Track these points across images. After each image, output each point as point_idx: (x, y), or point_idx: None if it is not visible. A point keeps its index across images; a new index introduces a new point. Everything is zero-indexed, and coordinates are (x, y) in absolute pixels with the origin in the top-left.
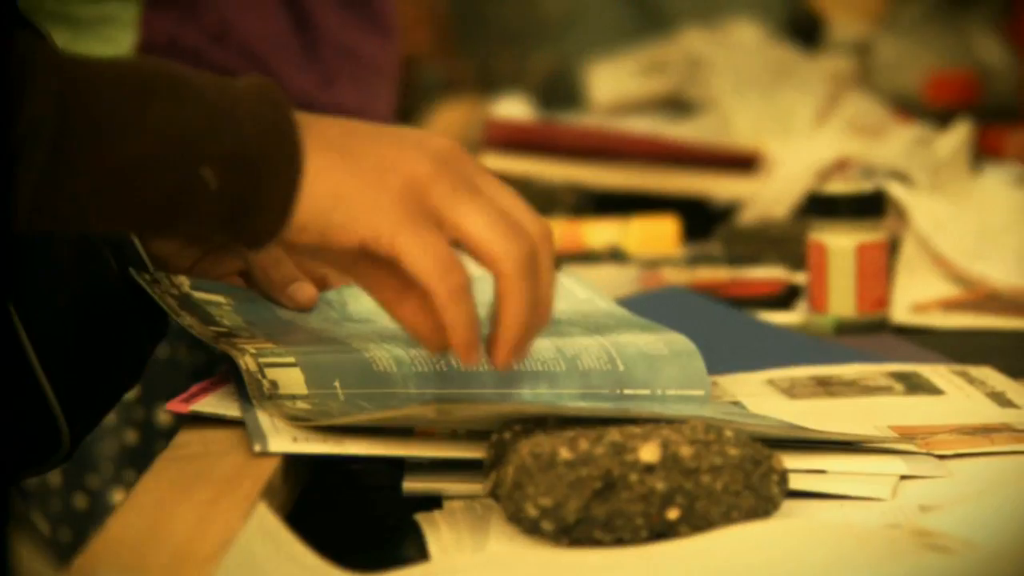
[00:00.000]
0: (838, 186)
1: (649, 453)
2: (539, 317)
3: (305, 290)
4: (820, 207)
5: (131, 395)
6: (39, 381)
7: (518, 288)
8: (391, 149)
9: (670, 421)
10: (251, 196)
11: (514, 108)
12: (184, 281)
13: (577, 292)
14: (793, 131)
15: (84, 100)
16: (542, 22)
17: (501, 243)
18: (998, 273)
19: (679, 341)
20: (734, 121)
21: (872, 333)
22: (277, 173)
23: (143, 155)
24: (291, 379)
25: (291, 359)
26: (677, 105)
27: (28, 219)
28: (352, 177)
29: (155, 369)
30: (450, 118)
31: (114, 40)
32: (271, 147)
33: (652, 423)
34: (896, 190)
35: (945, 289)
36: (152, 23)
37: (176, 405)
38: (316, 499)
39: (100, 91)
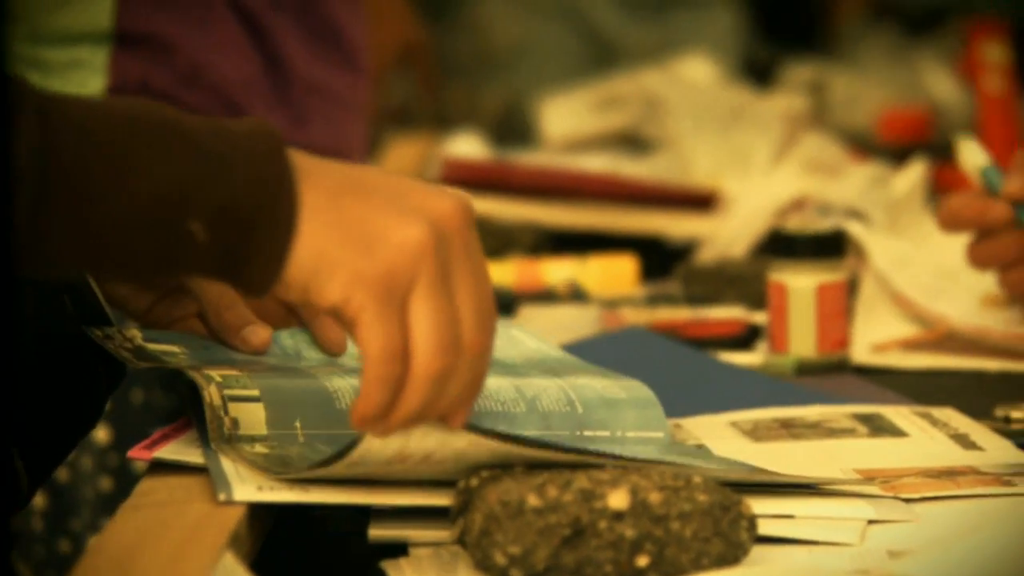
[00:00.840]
0: (798, 226)
1: (618, 500)
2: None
3: (259, 333)
4: (780, 247)
5: (105, 441)
6: None
7: (419, 392)
8: (387, 214)
9: (638, 466)
10: (242, 250)
11: (468, 145)
12: (136, 334)
13: (527, 342)
14: (751, 170)
15: (67, 148)
16: (492, 54)
17: (429, 355)
18: (957, 312)
19: (636, 387)
20: (692, 160)
21: (833, 373)
22: (270, 229)
23: (129, 207)
24: (253, 416)
25: (255, 391)
26: (632, 142)
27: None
28: (340, 242)
29: (129, 414)
30: (404, 154)
31: (84, 84)
32: (265, 201)
33: (620, 468)
34: (855, 229)
35: (904, 329)
36: (122, 66)
37: (138, 452)
38: (281, 546)
39: (85, 139)
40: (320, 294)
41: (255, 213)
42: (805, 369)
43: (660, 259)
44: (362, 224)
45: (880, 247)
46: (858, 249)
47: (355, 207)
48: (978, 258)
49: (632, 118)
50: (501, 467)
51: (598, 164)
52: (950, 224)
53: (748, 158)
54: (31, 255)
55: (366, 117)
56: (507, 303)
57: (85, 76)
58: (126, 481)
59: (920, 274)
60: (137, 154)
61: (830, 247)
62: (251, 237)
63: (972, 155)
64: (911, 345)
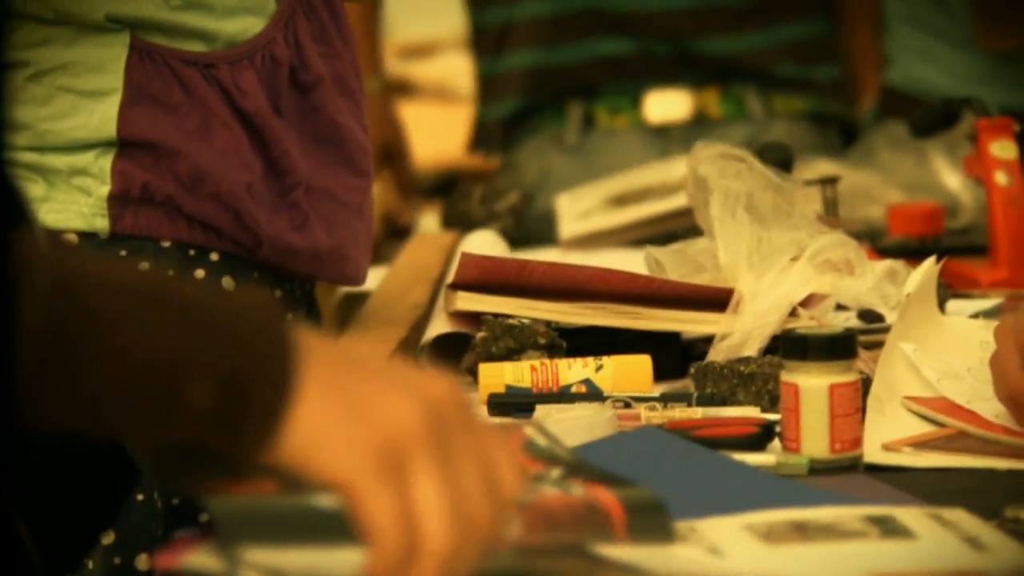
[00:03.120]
0: (810, 327)
1: None
2: None
3: None
4: (792, 348)
5: (108, 540)
6: (15, 524)
7: (432, 568)
8: (384, 392)
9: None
10: (237, 422)
11: (487, 241)
12: None
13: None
14: (770, 270)
15: (73, 311)
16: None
17: (439, 528)
18: (991, 413)
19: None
20: (720, 253)
21: (846, 473)
22: (267, 403)
23: (123, 374)
24: None
25: None
26: (647, 238)
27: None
28: (338, 418)
29: (131, 513)
30: (423, 247)
31: (89, 191)
32: (265, 374)
33: None
34: (907, 348)
35: (915, 427)
36: (126, 172)
37: (163, 560)
38: None
39: (91, 302)
40: (317, 469)
41: (254, 386)
42: (818, 469)
43: (676, 356)
44: (360, 400)
45: (928, 364)
46: (872, 348)
47: (353, 383)
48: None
49: (687, 201)
50: None
51: (612, 262)
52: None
53: (772, 254)
54: (34, 417)
55: (370, 220)
56: (527, 404)
57: (89, 183)
58: None
59: (967, 380)
60: (132, 322)
61: (842, 348)
62: (248, 409)
63: None
64: (921, 444)
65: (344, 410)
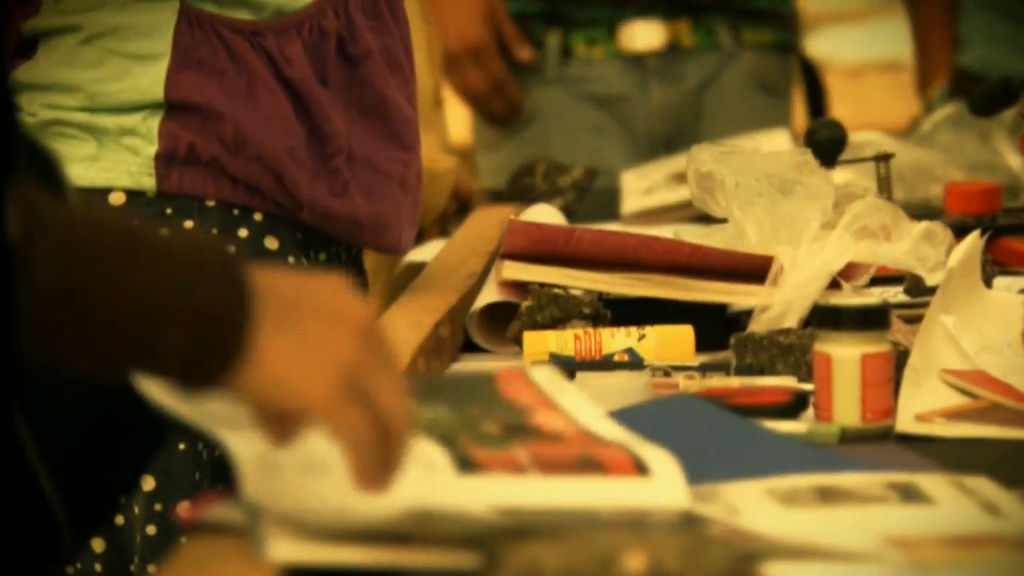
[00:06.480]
0: (843, 298)
1: (636, 561)
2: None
3: None
4: (825, 318)
5: (149, 487)
6: (40, 483)
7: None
8: (326, 330)
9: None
10: (208, 358)
11: (545, 214)
12: None
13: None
14: (803, 239)
15: (83, 259)
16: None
17: (397, 424)
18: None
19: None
20: (745, 233)
21: (876, 442)
22: (234, 341)
23: (120, 316)
24: None
25: None
26: (703, 215)
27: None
28: (295, 356)
29: (173, 461)
30: (485, 221)
31: (137, 150)
32: (229, 317)
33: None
34: (947, 321)
35: (951, 399)
36: (172, 133)
37: (187, 513)
38: None
39: (96, 251)
40: (285, 399)
41: (222, 326)
42: (849, 438)
43: (720, 326)
44: (308, 337)
45: (967, 336)
46: (915, 322)
47: (299, 322)
48: None
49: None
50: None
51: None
52: None
53: (800, 228)
54: (44, 355)
55: (416, 191)
56: (569, 369)
57: (138, 142)
58: (169, 528)
59: (1006, 353)
60: (125, 268)
61: (875, 319)
62: (217, 347)
63: None
64: (954, 415)
65: (299, 347)
